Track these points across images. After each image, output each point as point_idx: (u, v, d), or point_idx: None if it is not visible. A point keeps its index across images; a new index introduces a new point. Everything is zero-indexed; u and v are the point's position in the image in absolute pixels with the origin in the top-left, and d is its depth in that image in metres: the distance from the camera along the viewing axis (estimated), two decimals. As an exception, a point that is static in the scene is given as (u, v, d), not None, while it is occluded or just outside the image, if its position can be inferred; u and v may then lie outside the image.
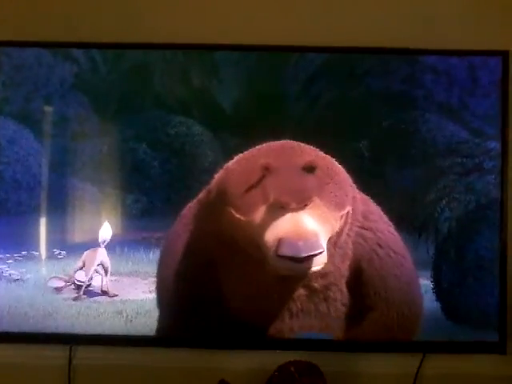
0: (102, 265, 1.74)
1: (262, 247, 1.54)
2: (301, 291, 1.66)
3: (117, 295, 1.74)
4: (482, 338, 1.73)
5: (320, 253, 1.51)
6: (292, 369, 1.59)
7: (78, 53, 1.74)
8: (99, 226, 1.74)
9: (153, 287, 1.72)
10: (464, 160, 1.72)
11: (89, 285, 1.74)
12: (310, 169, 1.57)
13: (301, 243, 1.49)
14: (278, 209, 1.54)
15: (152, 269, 1.72)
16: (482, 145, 1.73)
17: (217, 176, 1.67)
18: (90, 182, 1.74)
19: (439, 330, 1.72)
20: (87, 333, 1.73)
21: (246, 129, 1.71)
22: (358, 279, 1.68)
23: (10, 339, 1.74)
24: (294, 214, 1.54)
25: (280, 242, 1.49)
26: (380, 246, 1.69)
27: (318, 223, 1.54)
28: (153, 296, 1.72)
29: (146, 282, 1.73)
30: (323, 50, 1.72)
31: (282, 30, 1.75)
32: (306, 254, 1.48)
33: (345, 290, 1.68)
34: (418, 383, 1.76)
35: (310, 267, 1.52)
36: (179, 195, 1.71)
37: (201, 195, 1.70)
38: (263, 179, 1.57)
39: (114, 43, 1.74)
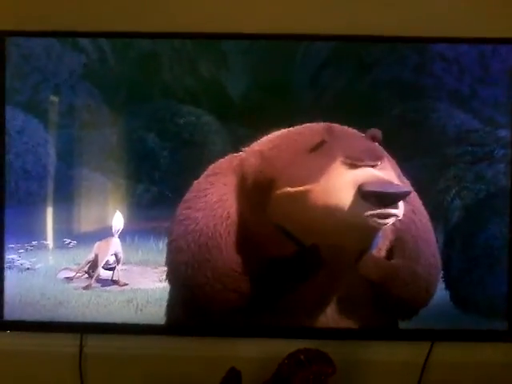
0: (116, 255, 1.75)
1: (331, 204, 1.41)
2: None
3: (127, 284, 1.75)
4: (490, 327, 1.73)
5: (406, 194, 1.41)
6: (302, 357, 1.58)
7: (86, 42, 1.73)
8: (109, 215, 1.74)
9: (163, 276, 1.71)
10: (474, 149, 1.71)
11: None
12: (372, 138, 1.52)
13: (387, 183, 1.39)
14: (348, 166, 1.42)
15: (162, 258, 1.71)
16: (492, 133, 1.71)
17: (248, 165, 1.61)
18: (100, 171, 1.75)
19: (448, 318, 1.72)
20: (98, 321, 1.74)
21: (254, 118, 1.70)
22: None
23: (21, 327, 1.76)
24: (367, 168, 1.43)
25: (362, 184, 1.37)
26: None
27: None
28: (163, 285, 1.72)
29: (155, 271, 1.73)
30: (332, 38, 1.70)
31: (290, 18, 1.74)
32: (394, 191, 1.37)
33: None
34: (427, 371, 1.77)
35: (393, 213, 1.40)
36: (188, 185, 1.70)
37: (226, 178, 1.65)
38: (323, 144, 1.49)
39: (122, 32, 1.72)
